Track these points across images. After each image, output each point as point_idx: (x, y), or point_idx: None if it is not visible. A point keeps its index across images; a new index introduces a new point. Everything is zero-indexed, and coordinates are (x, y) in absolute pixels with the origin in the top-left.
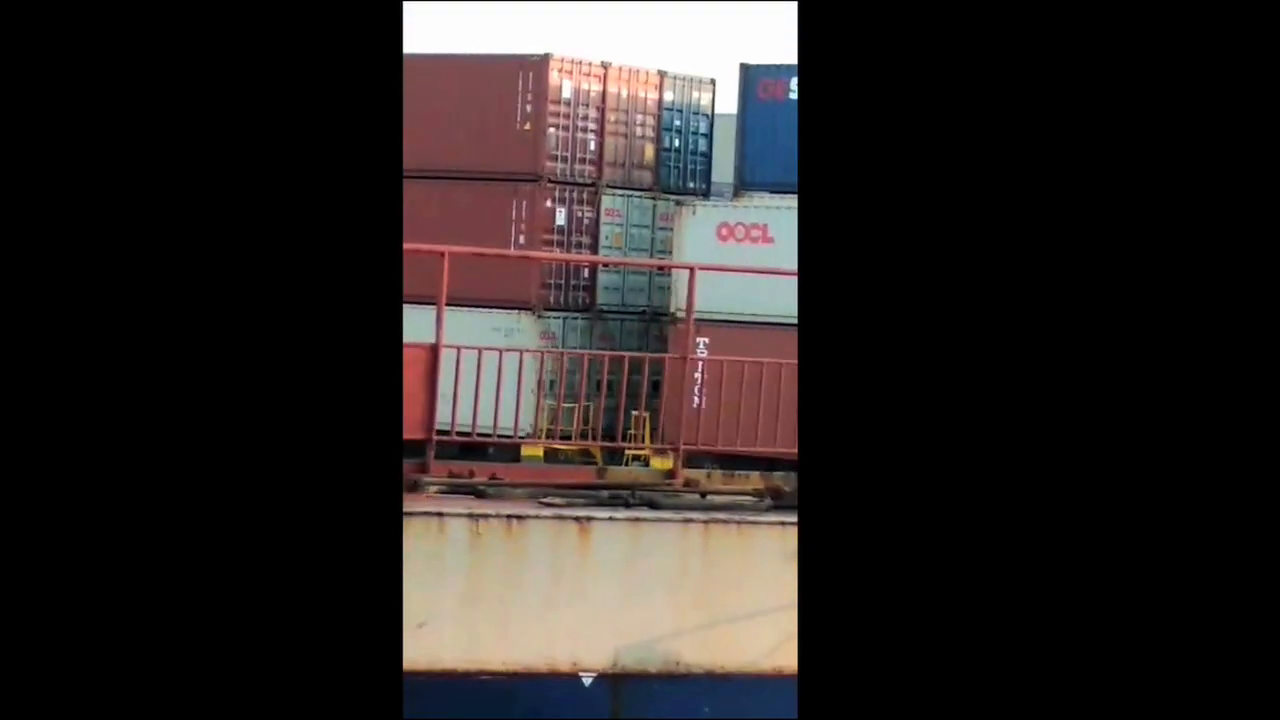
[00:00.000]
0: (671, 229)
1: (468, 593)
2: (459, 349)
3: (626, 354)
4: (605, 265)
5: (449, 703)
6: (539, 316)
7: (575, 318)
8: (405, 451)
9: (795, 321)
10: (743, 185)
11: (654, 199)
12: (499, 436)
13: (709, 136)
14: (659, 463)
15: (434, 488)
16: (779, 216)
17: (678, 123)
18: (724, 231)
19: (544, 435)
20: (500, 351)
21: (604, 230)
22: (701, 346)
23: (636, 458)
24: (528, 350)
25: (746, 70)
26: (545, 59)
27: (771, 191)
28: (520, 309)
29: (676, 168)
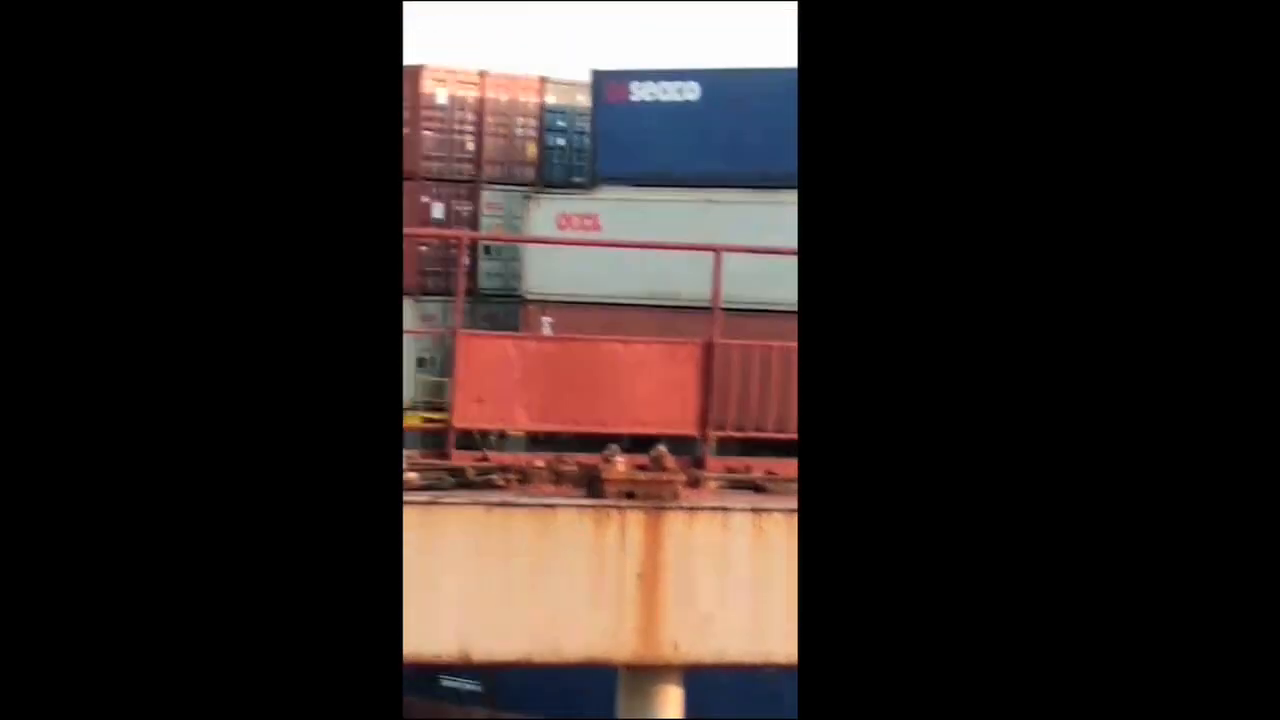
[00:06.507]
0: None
1: (754, 585)
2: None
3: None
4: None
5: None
6: (417, 301)
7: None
8: (675, 448)
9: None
10: (597, 179)
11: (536, 193)
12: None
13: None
14: None
15: (714, 483)
16: (608, 207)
17: (561, 123)
18: (563, 221)
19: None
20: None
21: (484, 223)
22: (546, 326)
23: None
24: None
25: (597, 76)
26: (419, 69)
27: (632, 185)
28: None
29: (562, 164)
